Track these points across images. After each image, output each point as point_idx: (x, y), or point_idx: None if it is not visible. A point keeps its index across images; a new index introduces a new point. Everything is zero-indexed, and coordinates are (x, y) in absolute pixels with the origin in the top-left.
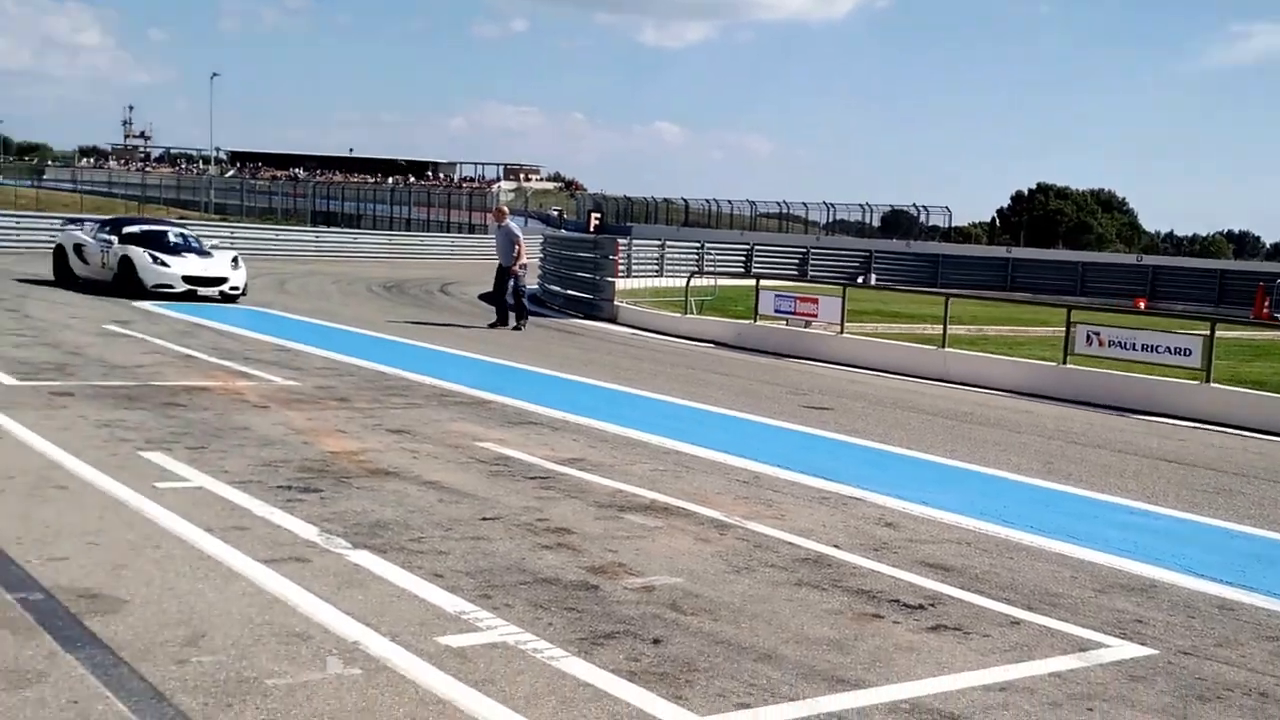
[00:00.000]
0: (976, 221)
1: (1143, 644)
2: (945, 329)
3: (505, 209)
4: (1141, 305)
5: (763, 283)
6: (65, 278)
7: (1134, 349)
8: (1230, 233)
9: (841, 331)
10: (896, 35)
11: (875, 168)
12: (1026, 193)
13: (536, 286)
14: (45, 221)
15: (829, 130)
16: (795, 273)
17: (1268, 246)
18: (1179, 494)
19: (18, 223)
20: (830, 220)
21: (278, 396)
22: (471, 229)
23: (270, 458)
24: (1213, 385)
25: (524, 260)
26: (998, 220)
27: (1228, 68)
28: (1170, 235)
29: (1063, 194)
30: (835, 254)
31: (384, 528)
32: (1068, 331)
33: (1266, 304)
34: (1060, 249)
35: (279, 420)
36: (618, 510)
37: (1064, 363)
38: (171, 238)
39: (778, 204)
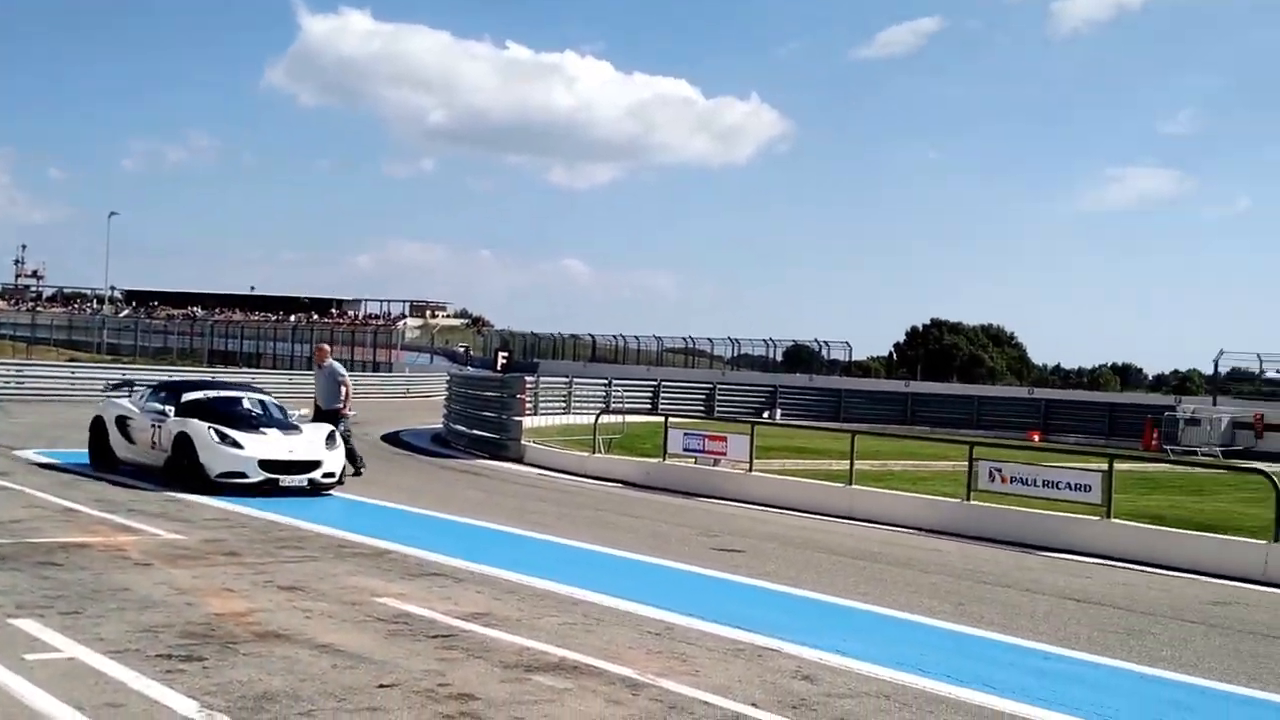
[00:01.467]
0: (875, 356)
1: None
2: (852, 466)
3: (326, 348)
4: (1036, 438)
5: (671, 420)
6: (104, 458)
7: (1035, 484)
8: (1115, 365)
9: (750, 469)
10: (795, 178)
11: (777, 303)
12: (921, 328)
13: (441, 426)
14: None
15: (731, 268)
16: (702, 408)
17: (1150, 378)
18: (1090, 636)
19: None
20: (735, 355)
21: (161, 552)
22: (376, 367)
23: (150, 622)
24: (1114, 521)
25: (351, 406)
26: (895, 354)
27: (1103, 210)
28: (1058, 368)
29: (955, 329)
30: (741, 389)
31: (272, 700)
32: (970, 468)
33: (1155, 436)
34: (955, 382)
35: (162, 579)
36: (525, 671)
37: (968, 499)
38: (246, 405)
39: (684, 339)
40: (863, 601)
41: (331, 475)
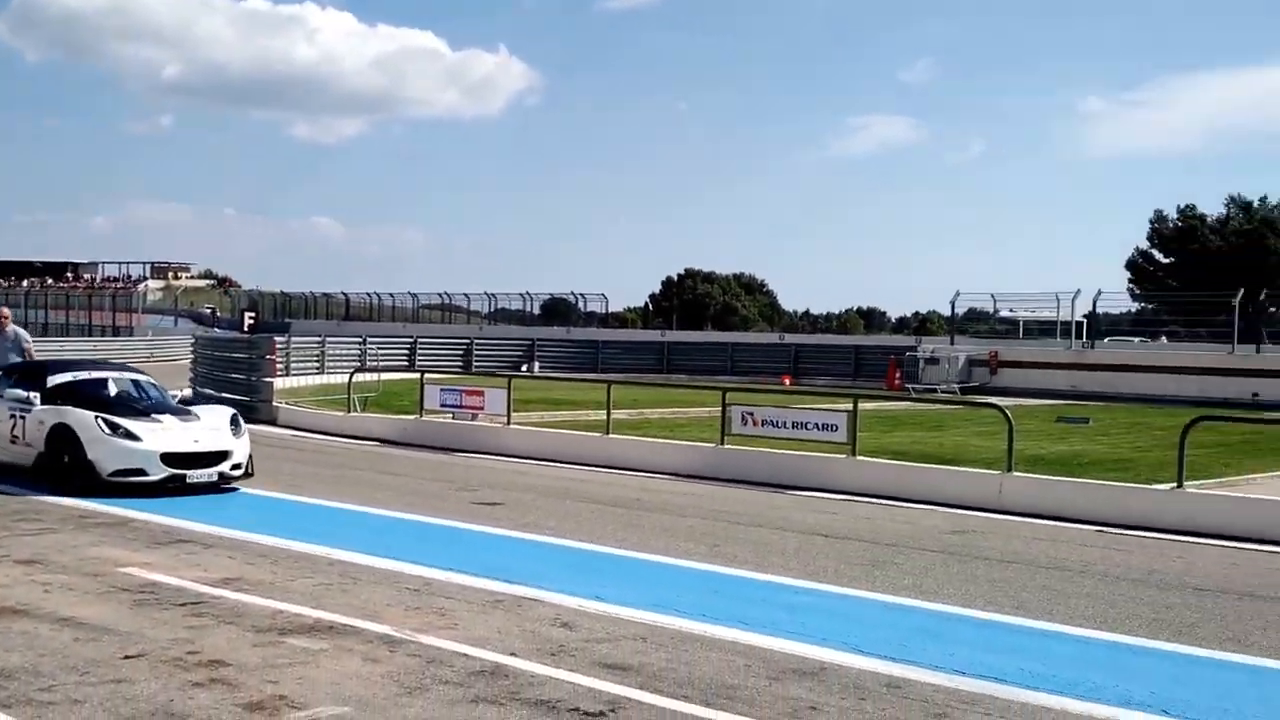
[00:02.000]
0: (631, 307)
1: None
2: (609, 415)
3: (7, 312)
4: (787, 382)
5: (428, 376)
6: None
7: (785, 426)
8: (861, 309)
9: (508, 423)
10: (547, 130)
11: (534, 257)
12: (676, 278)
13: (189, 390)
14: None
15: (487, 221)
16: (460, 364)
17: (893, 320)
18: (838, 569)
19: None
20: (493, 310)
21: None
22: (116, 331)
23: None
24: (859, 458)
25: None
26: (650, 305)
27: (848, 157)
28: (807, 314)
29: (708, 278)
30: (499, 344)
31: (9, 677)
32: (723, 413)
33: (898, 376)
34: (710, 330)
35: None
36: (278, 634)
37: (722, 443)
38: (124, 387)
39: (440, 295)
40: (621, 548)
41: (239, 466)
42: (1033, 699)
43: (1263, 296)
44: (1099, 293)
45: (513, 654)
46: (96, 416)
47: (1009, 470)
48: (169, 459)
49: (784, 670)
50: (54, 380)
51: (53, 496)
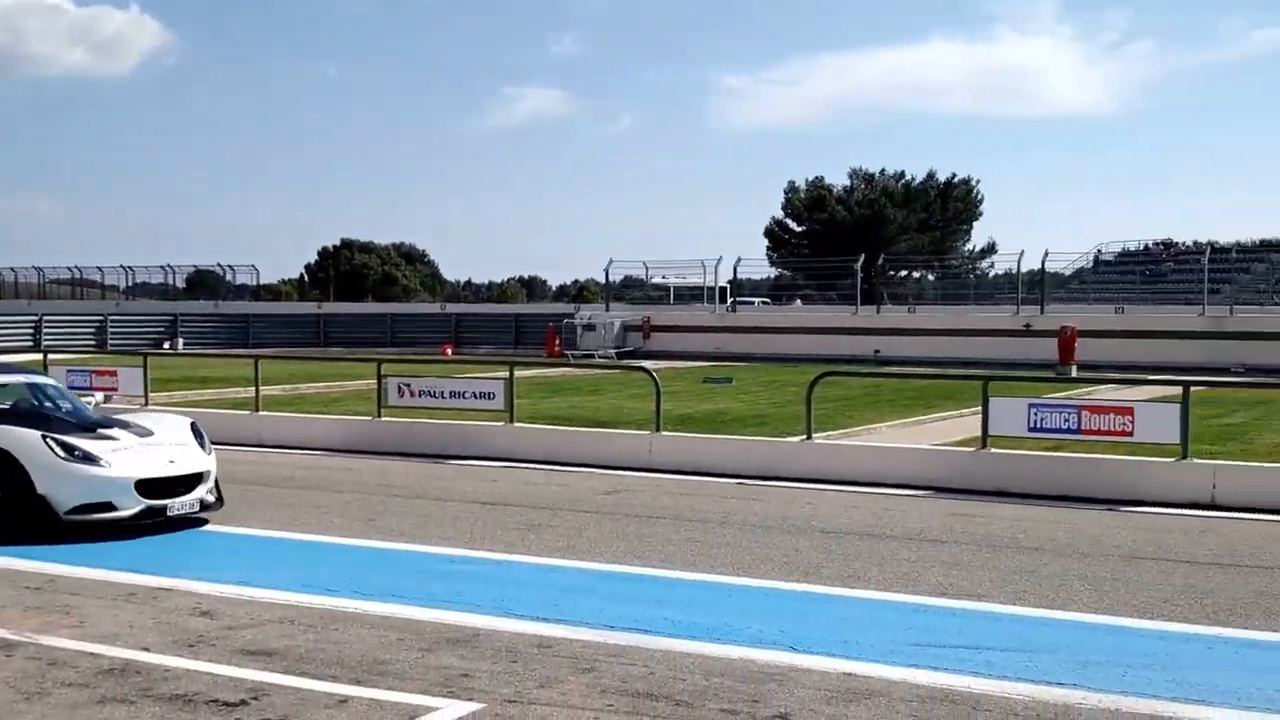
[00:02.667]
0: (286, 279)
1: (470, 699)
2: (258, 391)
3: None
4: (449, 352)
5: (52, 356)
6: None
7: (443, 396)
8: (521, 278)
9: (146, 404)
10: (186, 94)
11: (176, 228)
12: (332, 249)
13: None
14: None
15: (123, 191)
16: (93, 343)
17: (553, 289)
18: (495, 535)
19: None
20: (130, 284)
21: None
22: None
23: None
24: (516, 425)
25: None
26: (306, 277)
27: (505, 126)
28: (469, 283)
29: (366, 249)
30: (138, 320)
31: None
32: (380, 385)
33: (557, 343)
34: (370, 302)
35: None
36: None
37: (379, 415)
38: (41, 397)
39: (70, 269)
40: (269, 529)
41: (213, 491)
42: (675, 646)
43: (881, 261)
44: (739, 260)
45: (145, 649)
46: (43, 435)
47: (658, 430)
48: (144, 486)
49: (437, 640)
50: None
51: None
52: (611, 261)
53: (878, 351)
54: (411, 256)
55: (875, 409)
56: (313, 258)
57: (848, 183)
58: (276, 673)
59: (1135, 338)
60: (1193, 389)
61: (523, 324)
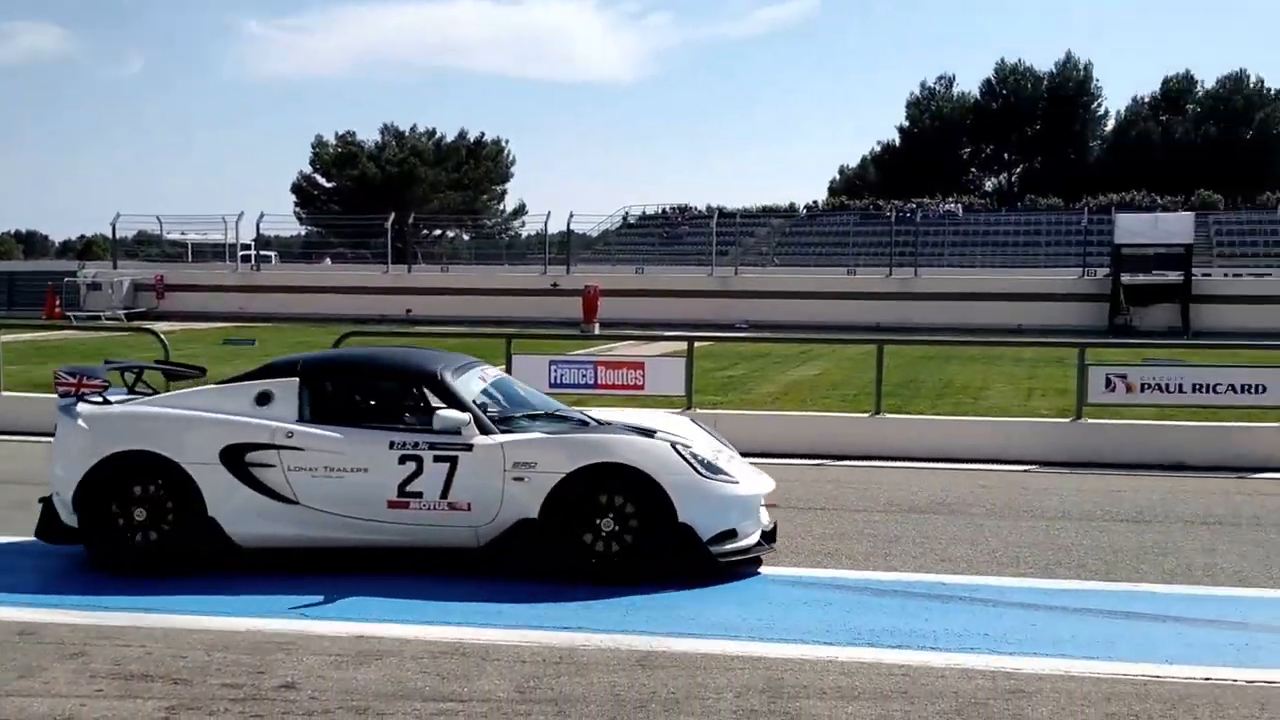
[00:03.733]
0: None
1: None
2: None
3: None
4: None
5: None
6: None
7: None
8: (19, 233)
9: None
10: None
11: None
12: None
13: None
14: None
15: None
16: None
17: (58, 245)
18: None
19: None
20: None
21: None
22: None
23: None
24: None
25: None
26: None
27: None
28: None
29: None
30: None
31: None
32: None
33: (58, 303)
34: None
35: None
36: None
37: None
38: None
39: None
40: None
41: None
42: (176, 623)
43: (413, 220)
44: (261, 215)
45: None
46: (674, 444)
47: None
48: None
49: None
50: (466, 384)
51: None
52: (119, 215)
53: (409, 311)
54: None
55: None
56: None
57: (379, 139)
58: None
59: (653, 296)
60: (699, 344)
61: (18, 283)
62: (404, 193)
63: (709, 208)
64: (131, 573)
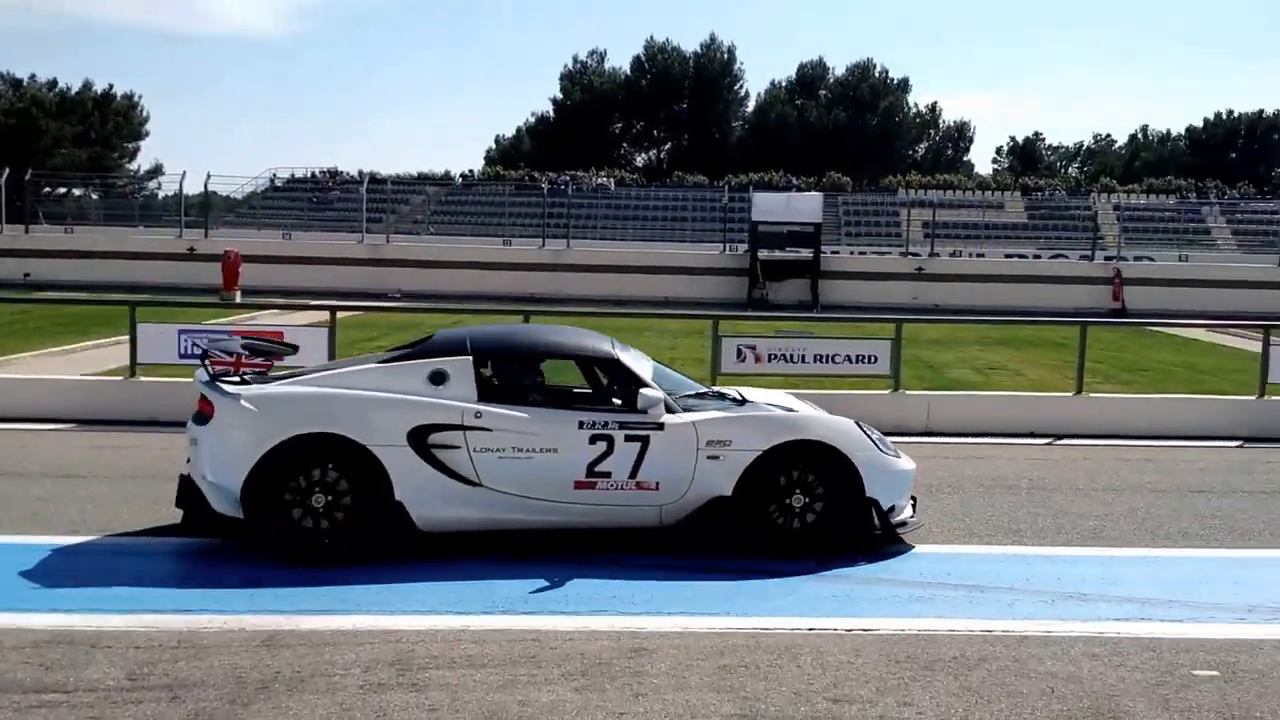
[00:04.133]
0: None
1: None
2: None
3: None
4: None
5: None
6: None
7: None
8: None
9: None
10: None
11: None
12: None
13: None
14: None
15: None
16: None
17: None
18: None
19: None
20: None
21: None
22: None
23: None
24: None
25: None
26: None
27: None
28: None
29: None
30: None
31: None
32: None
33: None
34: None
35: None
36: None
37: None
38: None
39: None
40: None
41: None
42: None
43: (31, 176)
44: None
45: None
46: (857, 422)
47: None
48: None
49: None
50: (640, 363)
51: None
52: None
53: (28, 275)
54: None
55: (22, 337)
56: None
57: None
58: None
59: (301, 264)
60: (348, 314)
61: None
62: (23, 146)
63: (361, 173)
64: (308, 564)
